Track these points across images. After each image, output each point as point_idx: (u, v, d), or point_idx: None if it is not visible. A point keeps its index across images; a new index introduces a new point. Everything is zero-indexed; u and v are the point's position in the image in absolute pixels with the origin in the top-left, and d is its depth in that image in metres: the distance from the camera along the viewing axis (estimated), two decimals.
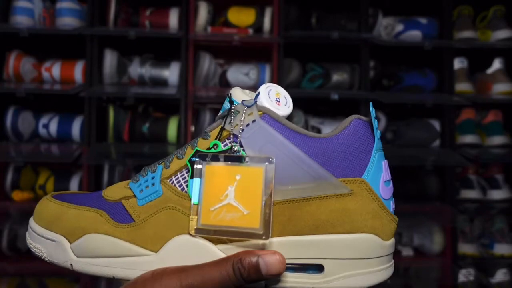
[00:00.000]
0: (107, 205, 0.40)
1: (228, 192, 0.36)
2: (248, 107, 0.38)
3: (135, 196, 0.39)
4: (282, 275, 0.36)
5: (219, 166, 0.37)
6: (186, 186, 0.38)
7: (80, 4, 1.59)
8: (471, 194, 1.66)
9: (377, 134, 0.38)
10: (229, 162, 0.37)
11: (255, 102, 0.38)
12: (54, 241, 0.39)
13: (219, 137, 0.38)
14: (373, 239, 0.37)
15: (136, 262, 0.38)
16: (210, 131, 0.39)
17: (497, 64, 1.72)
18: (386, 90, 1.68)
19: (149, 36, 1.59)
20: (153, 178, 0.39)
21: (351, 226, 0.36)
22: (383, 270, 0.38)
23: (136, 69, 1.60)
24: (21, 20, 1.53)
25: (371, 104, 0.39)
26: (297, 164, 0.36)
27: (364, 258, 0.37)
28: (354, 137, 0.37)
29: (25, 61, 1.58)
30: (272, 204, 0.36)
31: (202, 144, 0.39)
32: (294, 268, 0.37)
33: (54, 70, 1.59)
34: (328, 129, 1.60)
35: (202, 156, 0.37)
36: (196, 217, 0.37)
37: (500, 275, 1.59)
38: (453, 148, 1.61)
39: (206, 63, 1.60)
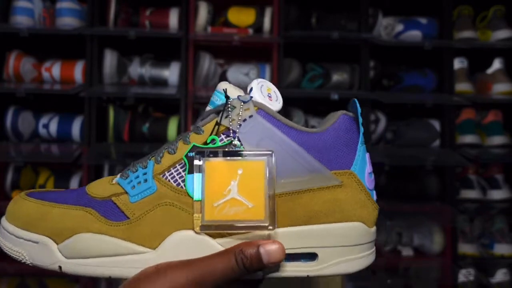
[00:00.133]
0: (95, 203, 0.38)
1: (231, 187, 0.37)
2: (244, 102, 0.38)
3: (126, 192, 0.38)
4: (279, 264, 0.38)
5: (220, 162, 0.37)
6: (182, 181, 0.38)
7: (80, 4, 1.59)
8: (471, 194, 1.66)
9: (361, 129, 0.40)
10: (230, 157, 0.37)
11: (251, 97, 0.39)
12: (36, 242, 0.37)
13: (215, 132, 0.38)
14: (361, 226, 0.39)
15: (134, 260, 0.37)
16: (203, 126, 0.39)
17: (497, 64, 1.72)
18: (386, 90, 1.68)
19: (149, 36, 1.59)
20: (144, 174, 0.39)
21: (341, 215, 0.38)
22: (370, 255, 0.40)
23: (136, 69, 1.60)
24: (21, 20, 1.53)
25: (356, 100, 0.41)
26: (294, 158, 0.38)
27: (353, 245, 0.39)
28: (342, 132, 0.39)
29: (25, 61, 1.58)
30: (275, 195, 0.37)
31: (195, 139, 0.39)
32: (288, 258, 0.38)
33: (54, 70, 1.59)
34: None
35: (200, 152, 0.37)
36: (200, 214, 0.37)
37: (500, 275, 1.59)
38: (453, 148, 1.61)
39: (206, 63, 1.60)
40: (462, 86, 1.68)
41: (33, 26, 1.54)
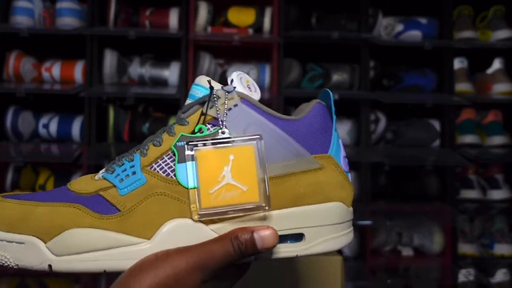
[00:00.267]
0: (82, 199, 0.38)
1: (225, 172, 0.38)
2: (228, 92, 0.40)
3: (114, 186, 0.38)
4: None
5: (211, 149, 0.38)
6: (171, 171, 0.38)
7: (80, 4, 1.59)
8: (471, 194, 1.66)
9: (334, 117, 0.43)
10: (220, 145, 0.38)
11: (234, 87, 0.40)
12: (22, 243, 0.36)
13: (202, 122, 0.39)
14: (341, 206, 0.41)
15: (129, 251, 0.37)
16: (188, 117, 0.40)
17: (497, 64, 1.72)
18: (386, 90, 1.68)
19: (149, 36, 1.59)
20: (132, 167, 0.39)
21: (324, 196, 0.40)
22: (350, 233, 0.43)
23: (136, 69, 1.60)
24: (21, 20, 1.53)
25: (329, 91, 0.43)
26: (280, 143, 0.39)
27: (336, 223, 0.41)
28: (318, 118, 0.41)
29: (25, 61, 1.58)
30: (267, 177, 0.38)
31: (181, 130, 0.40)
32: (280, 241, 0.39)
33: (54, 70, 1.59)
34: None
35: (190, 141, 0.38)
36: (196, 203, 0.37)
37: (500, 275, 1.59)
38: (453, 148, 1.61)
39: (206, 63, 1.60)
40: (462, 86, 1.68)
41: (33, 26, 1.54)
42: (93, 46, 1.55)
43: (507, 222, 1.64)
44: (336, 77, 1.64)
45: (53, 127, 1.58)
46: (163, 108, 1.66)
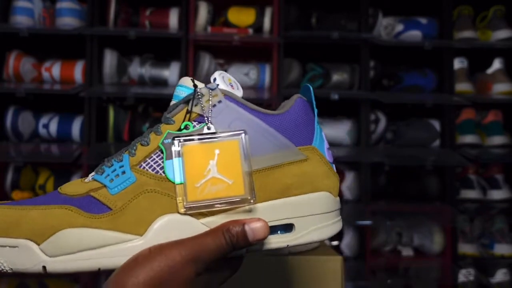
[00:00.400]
0: (73, 201, 0.38)
1: (211, 166, 0.39)
2: (212, 89, 0.41)
3: (104, 186, 0.39)
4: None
5: (197, 145, 0.39)
6: (160, 169, 0.39)
7: (80, 4, 1.59)
8: (471, 194, 1.66)
9: (316, 110, 0.44)
10: (205, 140, 0.39)
11: (217, 85, 0.41)
12: (16, 247, 0.37)
13: (188, 119, 0.40)
14: (328, 195, 0.42)
15: (123, 248, 0.37)
16: (173, 117, 0.41)
17: (497, 64, 1.72)
18: (386, 90, 1.68)
19: (149, 36, 1.59)
20: (121, 166, 0.40)
21: (311, 186, 0.41)
22: (338, 222, 0.44)
23: (136, 69, 1.61)
24: (21, 20, 1.53)
25: (309, 85, 0.44)
26: (264, 136, 0.40)
27: (324, 213, 0.42)
28: (300, 113, 0.43)
29: (25, 61, 1.58)
30: (251, 171, 0.39)
31: (167, 129, 0.41)
32: (271, 232, 0.40)
33: (54, 70, 1.59)
34: (328, 129, 1.60)
35: (177, 137, 0.39)
36: (183, 196, 0.38)
37: (500, 275, 1.59)
38: (453, 148, 1.61)
39: (206, 63, 1.60)
40: (462, 86, 1.68)
41: (33, 26, 1.54)
42: (93, 46, 1.55)
43: (507, 222, 1.64)
44: (336, 77, 1.64)
45: (53, 127, 1.58)
46: (163, 108, 1.64)
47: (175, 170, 0.39)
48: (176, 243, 0.37)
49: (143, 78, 1.61)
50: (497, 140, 1.67)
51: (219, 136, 0.39)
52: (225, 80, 0.42)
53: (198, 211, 0.38)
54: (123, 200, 0.38)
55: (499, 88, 1.67)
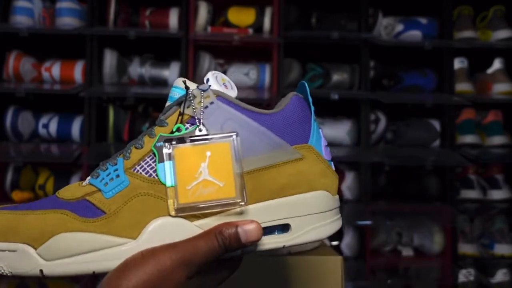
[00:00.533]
0: (69, 205, 0.39)
1: (202, 169, 0.39)
2: (204, 91, 0.40)
3: (99, 190, 0.39)
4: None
5: (188, 147, 0.39)
6: (154, 171, 0.39)
7: (80, 4, 1.59)
8: (471, 194, 1.66)
9: (312, 107, 0.43)
10: (197, 142, 0.39)
11: (210, 86, 0.41)
12: (14, 251, 0.37)
13: (180, 121, 0.40)
14: (326, 194, 0.42)
15: (117, 252, 0.38)
16: (167, 119, 0.41)
17: (497, 64, 1.72)
18: (386, 90, 1.68)
19: (149, 36, 1.59)
20: (115, 170, 0.40)
21: (307, 185, 0.41)
22: (336, 221, 0.43)
23: (136, 69, 1.60)
24: (21, 20, 1.53)
25: (305, 83, 0.44)
26: (257, 136, 0.40)
27: (321, 212, 0.41)
28: (296, 111, 0.42)
29: (25, 61, 1.58)
30: (243, 173, 0.39)
31: (160, 131, 0.41)
32: (266, 233, 0.40)
33: (54, 70, 1.59)
34: (328, 129, 1.60)
35: (168, 141, 0.39)
36: (174, 198, 0.38)
37: (500, 275, 1.59)
38: (453, 148, 1.61)
39: (206, 63, 1.60)
40: (462, 86, 1.68)
41: (33, 26, 1.54)
42: (93, 46, 1.55)
43: (507, 222, 1.64)
44: (336, 77, 1.64)
45: (53, 127, 1.58)
46: (163, 108, 1.66)
47: (166, 172, 0.39)
48: (168, 247, 0.37)
49: (143, 78, 1.61)
50: (497, 140, 1.67)
51: (211, 138, 0.39)
52: (218, 80, 0.42)
53: (189, 213, 0.38)
54: (117, 203, 0.38)
55: (499, 88, 1.67)
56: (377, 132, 1.64)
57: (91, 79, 1.55)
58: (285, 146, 0.41)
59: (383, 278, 1.59)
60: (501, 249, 1.60)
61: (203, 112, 0.40)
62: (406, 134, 1.63)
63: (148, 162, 0.40)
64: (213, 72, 0.43)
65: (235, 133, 0.39)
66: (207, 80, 0.42)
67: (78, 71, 1.59)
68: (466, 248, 1.63)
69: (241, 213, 0.39)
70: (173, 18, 1.59)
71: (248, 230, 0.37)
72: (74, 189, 0.40)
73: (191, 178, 0.38)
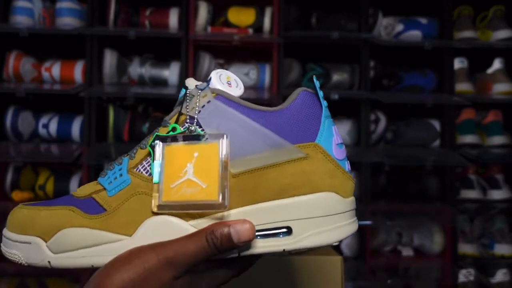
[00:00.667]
0: (77, 202, 0.41)
1: (187, 168, 0.39)
2: (201, 90, 0.40)
3: (105, 189, 0.41)
4: (254, 242, 0.39)
5: (178, 146, 0.39)
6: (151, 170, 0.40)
7: (80, 4, 1.59)
8: (471, 194, 1.66)
9: (324, 103, 0.42)
10: (187, 142, 0.39)
11: (208, 85, 0.41)
12: (29, 243, 0.40)
13: (177, 121, 0.41)
14: (333, 196, 0.39)
15: (113, 247, 0.39)
16: (170, 119, 0.42)
17: (497, 64, 1.72)
18: (386, 90, 1.68)
19: (149, 36, 1.59)
20: (120, 169, 0.41)
21: (311, 186, 0.39)
22: (347, 226, 0.40)
23: (136, 69, 1.60)
24: (21, 20, 1.53)
25: (314, 77, 0.43)
26: (254, 135, 0.39)
27: (327, 215, 0.39)
28: (303, 107, 0.41)
29: (25, 61, 1.58)
30: (229, 176, 0.38)
31: (162, 132, 0.41)
32: (266, 235, 0.39)
33: (54, 70, 1.59)
34: None
35: (162, 139, 0.40)
36: (158, 195, 0.38)
37: (500, 275, 1.59)
38: (453, 148, 1.61)
39: (206, 63, 1.60)
40: (462, 86, 1.68)
41: (33, 26, 1.54)
42: (93, 46, 1.54)
43: (507, 222, 1.64)
44: (336, 77, 1.64)
45: (53, 127, 1.58)
46: (163, 108, 1.66)
47: (155, 170, 0.39)
48: (155, 246, 0.37)
49: (143, 78, 1.61)
50: (497, 140, 1.67)
51: (201, 139, 0.39)
52: (221, 79, 0.42)
53: (170, 212, 0.38)
54: (117, 201, 0.40)
55: (499, 88, 1.67)
56: (377, 132, 1.64)
57: (91, 79, 1.55)
58: (285, 144, 0.39)
59: (383, 278, 1.59)
60: (501, 249, 1.60)
61: (199, 111, 0.40)
62: (406, 134, 1.63)
63: (148, 161, 0.41)
64: (218, 70, 0.42)
65: (225, 134, 0.38)
66: (209, 79, 0.42)
67: (78, 71, 1.59)
68: (466, 248, 1.63)
69: (242, 213, 0.39)
70: (173, 18, 1.59)
71: (240, 230, 0.36)
72: (87, 187, 0.42)
73: (176, 176, 0.38)
